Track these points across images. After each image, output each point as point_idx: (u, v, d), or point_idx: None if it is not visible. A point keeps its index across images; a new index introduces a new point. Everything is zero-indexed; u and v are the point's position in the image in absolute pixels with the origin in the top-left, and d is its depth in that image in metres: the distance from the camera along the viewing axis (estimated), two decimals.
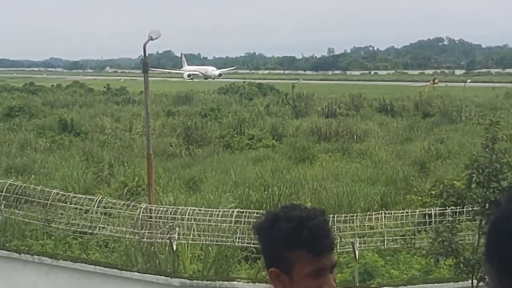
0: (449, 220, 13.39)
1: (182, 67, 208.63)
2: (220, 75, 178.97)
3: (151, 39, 18.67)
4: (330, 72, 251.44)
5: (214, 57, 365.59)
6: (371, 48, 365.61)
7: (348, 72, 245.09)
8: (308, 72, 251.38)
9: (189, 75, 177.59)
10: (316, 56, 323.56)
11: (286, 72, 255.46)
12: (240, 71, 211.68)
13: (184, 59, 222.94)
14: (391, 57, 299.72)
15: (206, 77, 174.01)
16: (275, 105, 61.45)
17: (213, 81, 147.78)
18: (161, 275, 14.97)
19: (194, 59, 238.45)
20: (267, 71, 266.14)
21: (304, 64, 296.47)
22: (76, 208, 17.80)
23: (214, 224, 17.00)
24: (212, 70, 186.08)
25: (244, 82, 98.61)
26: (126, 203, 18.10)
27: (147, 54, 19.99)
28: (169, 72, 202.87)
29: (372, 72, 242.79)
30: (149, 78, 20.15)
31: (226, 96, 74.76)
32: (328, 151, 37.46)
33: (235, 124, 44.14)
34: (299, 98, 60.74)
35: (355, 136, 41.24)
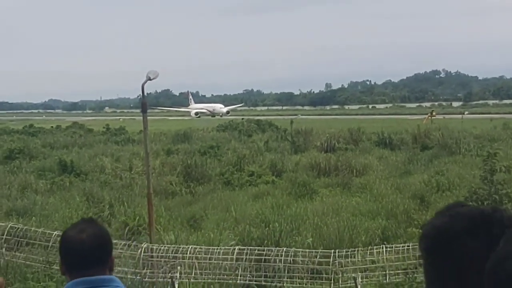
0: None
1: (189, 105, 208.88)
2: (228, 112, 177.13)
3: (149, 79, 18.77)
4: (328, 107, 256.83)
5: (212, 94, 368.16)
6: (368, 82, 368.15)
7: (346, 107, 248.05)
8: (306, 108, 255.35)
9: (196, 113, 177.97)
10: (313, 92, 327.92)
11: (284, 108, 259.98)
12: (239, 108, 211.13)
13: (191, 97, 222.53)
14: (389, 91, 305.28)
15: (213, 114, 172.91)
16: (274, 141, 61.46)
17: (212, 119, 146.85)
18: None
19: (192, 97, 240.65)
20: (266, 108, 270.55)
21: (302, 100, 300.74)
22: None
23: (215, 261, 17.02)
24: (219, 108, 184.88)
25: (242, 119, 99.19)
26: (127, 243, 18.10)
27: (145, 94, 20.02)
28: (176, 111, 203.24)
29: (370, 106, 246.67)
30: (148, 117, 20.19)
31: (225, 133, 74.83)
32: (328, 185, 37.28)
33: (234, 161, 43.98)
34: (297, 134, 60.96)
35: (354, 170, 41.13)
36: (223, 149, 52.64)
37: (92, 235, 4.19)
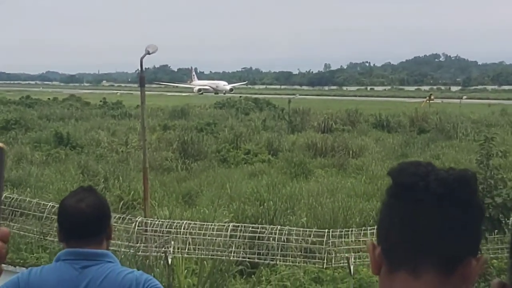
0: None
1: (192, 81, 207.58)
2: (231, 89, 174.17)
3: (148, 53, 18.37)
4: (326, 88, 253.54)
5: (210, 71, 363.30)
6: (367, 64, 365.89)
7: (344, 88, 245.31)
8: (304, 88, 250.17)
9: (199, 90, 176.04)
10: (312, 72, 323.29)
11: (283, 87, 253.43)
12: (241, 86, 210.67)
13: (194, 73, 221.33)
14: (388, 73, 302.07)
15: (216, 92, 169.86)
16: (272, 120, 61.18)
17: (215, 96, 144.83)
18: None
19: (190, 74, 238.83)
20: (264, 86, 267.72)
21: (300, 79, 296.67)
22: None
23: (209, 238, 17.01)
24: (223, 85, 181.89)
25: (240, 96, 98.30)
26: (121, 216, 18.09)
27: (144, 68, 19.69)
28: (176, 87, 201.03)
29: (368, 88, 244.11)
30: (146, 92, 19.90)
31: (222, 110, 74.28)
32: (324, 166, 37.17)
33: (231, 138, 43.69)
34: (295, 113, 60.69)
35: (351, 152, 41.02)
36: (220, 127, 52.30)
37: (92, 204, 4.19)
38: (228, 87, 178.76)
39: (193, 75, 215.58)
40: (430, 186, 1.99)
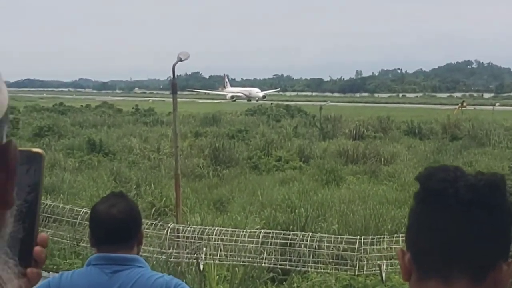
0: None
1: (225, 88, 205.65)
2: (264, 96, 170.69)
3: (180, 60, 18.65)
4: (358, 95, 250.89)
5: (242, 78, 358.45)
6: (399, 71, 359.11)
7: (376, 95, 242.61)
8: (335, 94, 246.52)
9: (232, 97, 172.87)
10: (344, 78, 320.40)
11: (314, 94, 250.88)
12: (274, 93, 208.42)
13: (227, 80, 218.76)
14: (420, 80, 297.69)
15: (249, 98, 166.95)
16: (303, 127, 60.84)
17: (243, 103, 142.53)
18: None
19: (221, 81, 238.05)
20: (295, 93, 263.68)
21: (331, 86, 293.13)
22: None
23: (240, 244, 17.07)
24: (256, 92, 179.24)
25: (271, 104, 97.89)
26: (154, 222, 18.17)
27: (175, 76, 19.91)
28: (207, 93, 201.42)
29: (400, 95, 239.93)
30: (178, 99, 20.12)
31: (253, 117, 73.83)
32: (356, 173, 36.97)
33: (262, 145, 43.51)
34: (326, 120, 60.38)
35: (382, 159, 40.73)
36: (251, 133, 52.11)
37: (123, 209, 4.21)
38: (261, 94, 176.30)
39: (226, 82, 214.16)
40: (460, 192, 1.97)
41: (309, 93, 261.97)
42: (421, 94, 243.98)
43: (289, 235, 17.72)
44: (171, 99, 19.45)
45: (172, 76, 19.95)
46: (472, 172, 2.05)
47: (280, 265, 17.39)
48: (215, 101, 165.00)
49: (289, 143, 45.97)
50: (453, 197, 1.97)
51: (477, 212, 1.96)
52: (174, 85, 19.76)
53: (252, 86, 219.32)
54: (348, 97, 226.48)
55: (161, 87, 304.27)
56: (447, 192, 1.98)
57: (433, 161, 40.25)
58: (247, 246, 16.99)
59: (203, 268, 15.91)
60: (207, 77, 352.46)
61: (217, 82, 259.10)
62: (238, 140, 48.01)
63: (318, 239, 17.65)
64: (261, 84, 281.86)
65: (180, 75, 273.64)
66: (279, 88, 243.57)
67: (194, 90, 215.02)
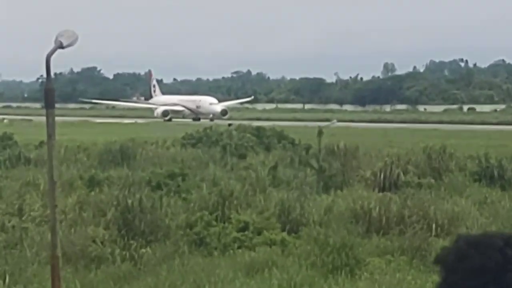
0: None
1: (152, 96, 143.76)
2: (224, 112, 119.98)
3: (61, 46, 13.00)
4: (387, 107, 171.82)
5: (175, 79, 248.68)
6: (461, 63, 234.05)
7: (422, 107, 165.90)
8: (346, 107, 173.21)
9: (165, 113, 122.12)
10: (361, 78, 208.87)
11: (308, 106, 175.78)
12: (241, 105, 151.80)
13: (155, 82, 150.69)
14: (499, 80, 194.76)
15: (196, 115, 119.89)
16: (288, 167, 43.59)
17: (183, 123, 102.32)
18: None
19: (135, 83, 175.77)
20: (273, 105, 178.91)
21: (338, 92, 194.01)
22: None
23: None
24: (209, 104, 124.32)
25: (230, 125, 69.66)
26: None
27: (52, 74, 13.88)
28: (113, 107, 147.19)
29: (466, 107, 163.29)
30: (58, 117, 14.18)
31: (197, 150, 53.06)
32: (385, 252, 26.67)
33: (213, 202, 30.44)
34: (330, 155, 43.55)
35: (434, 225, 28.46)
36: (193, 180, 37.44)
37: None
38: (218, 107, 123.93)
39: (153, 86, 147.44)
40: None
41: (299, 105, 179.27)
42: (502, 106, 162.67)
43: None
44: (44, 117, 13.60)
45: (45, 75, 13.67)
46: None
47: None
48: (126, 120, 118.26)
49: (263, 198, 32.56)
50: None
51: None
52: (50, 92, 13.75)
53: (195, 92, 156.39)
54: (370, 111, 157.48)
55: (25, 95, 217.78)
56: None
57: None
58: None
59: None
60: (110, 76, 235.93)
61: (129, 85, 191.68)
62: (169, 192, 34.15)
63: None
64: (212, 88, 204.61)
65: (61, 73, 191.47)
66: (251, 96, 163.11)
67: (90, 100, 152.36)
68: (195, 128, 65.70)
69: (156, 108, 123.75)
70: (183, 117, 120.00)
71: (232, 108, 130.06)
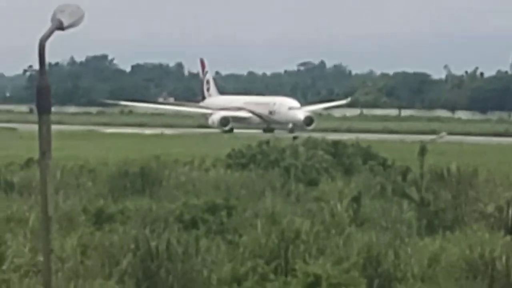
0: None
1: (205, 97, 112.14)
2: (310, 121, 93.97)
3: (60, 26, 9.54)
4: None
5: (216, 73, 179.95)
6: None
7: None
8: (460, 114, 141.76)
9: (223, 121, 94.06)
10: (482, 74, 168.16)
11: (405, 112, 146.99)
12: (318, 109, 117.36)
13: (209, 76, 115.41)
14: None
15: (268, 125, 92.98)
16: (376, 199, 34.96)
17: (242, 138, 75.87)
18: None
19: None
20: (357, 110, 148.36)
21: (450, 93, 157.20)
22: None
23: None
24: (287, 108, 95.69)
25: (295, 138, 57.33)
26: None
27: (47, 64, 10.01)
28: (130, 112, 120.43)
29: None
30: (54, 126, 10.43)
31: (248, 173, 41.65)
32: None
33: (271, 247, 24.03)
34: (438, 182, 33.68)
35: None
36: (242, 216, 29.46)
37: None
38: (301, 112, 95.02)
39: (207, 82, 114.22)
40: None
41: (393, 111, 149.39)
42: None
43: None
44: (35, 125, 9.88)
45: (38, 67, 9.39)
46: None
47: None
48: (148, 131, 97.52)
49: (340, 241, 25.26)
50: None
51: None
52: (45, 91, 9.70)
53: (246, 91, 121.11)
54: (494, 120, 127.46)
55: (7, 95, 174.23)
56: None
57: None
58: None
59: None
60: (127, 68, 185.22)
61: (153, 81, 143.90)
62: (209, 233, 26.87)
63: None
64: (270, 86, 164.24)
65: (57, 63, 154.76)
66: (348, 98, 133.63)
67: (107, 101, 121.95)
68: (242, 141, 53.44)
69: (211, 114, 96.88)
70: (247, 126, 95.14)
71: (321, 113, 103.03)
